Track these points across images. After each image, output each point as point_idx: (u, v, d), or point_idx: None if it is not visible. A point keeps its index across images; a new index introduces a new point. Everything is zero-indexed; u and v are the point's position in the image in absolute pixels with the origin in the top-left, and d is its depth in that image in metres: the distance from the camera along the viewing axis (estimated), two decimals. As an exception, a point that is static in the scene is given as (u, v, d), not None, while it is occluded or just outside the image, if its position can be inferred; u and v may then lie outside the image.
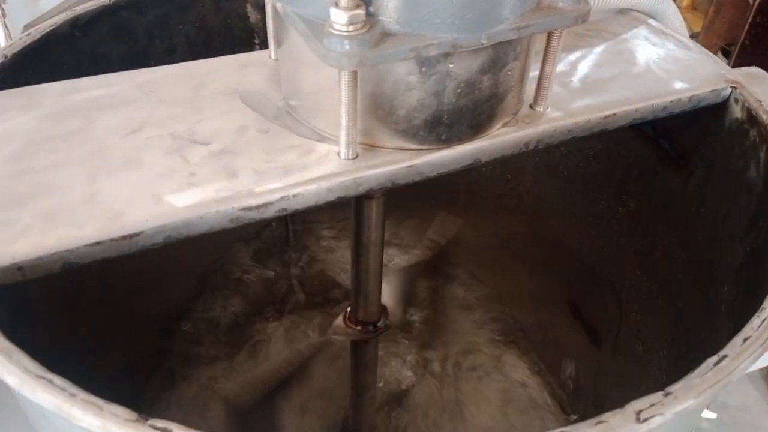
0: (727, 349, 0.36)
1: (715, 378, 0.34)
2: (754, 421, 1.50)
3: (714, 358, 0.36)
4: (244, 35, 0.82)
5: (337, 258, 1.06)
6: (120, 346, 0.80)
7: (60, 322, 0.63)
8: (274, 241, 1.04)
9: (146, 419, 0.30)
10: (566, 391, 0.94)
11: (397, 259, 1.06)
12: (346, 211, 0.67)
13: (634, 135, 0.73)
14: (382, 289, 0.69)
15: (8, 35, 1.09)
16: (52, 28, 0.63)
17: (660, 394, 0.33)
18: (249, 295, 1.02)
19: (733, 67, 0.63)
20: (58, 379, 0.32)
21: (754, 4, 1.65)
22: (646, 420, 0.32)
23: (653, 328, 0.75)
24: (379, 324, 0.71)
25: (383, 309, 0.73)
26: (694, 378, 0.34)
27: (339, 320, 0.69)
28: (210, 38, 0.80)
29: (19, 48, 0.60)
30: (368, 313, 0.70)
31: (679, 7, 0.68)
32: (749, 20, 2.01)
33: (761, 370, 1.57)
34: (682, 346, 0.67)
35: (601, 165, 0.80)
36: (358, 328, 0.70)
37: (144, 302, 0.85)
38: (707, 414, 1.09)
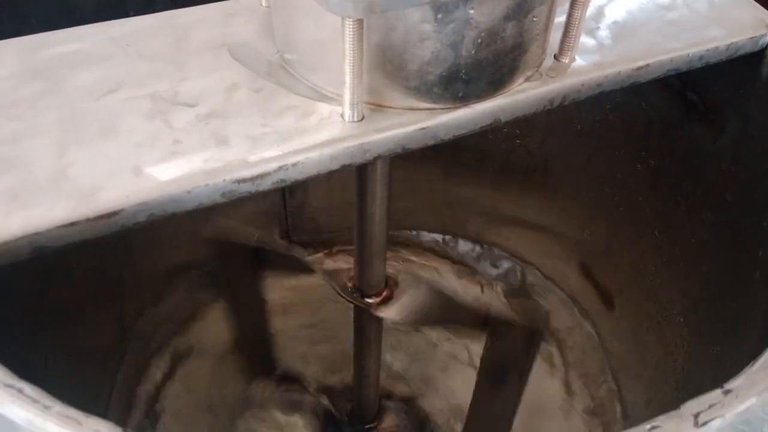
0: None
1: (781, 371, 0.30)
2: None
3: (778, 347, 0.32)
4: (231, -19, 0.75)
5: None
6: (94, 329, 0.76)
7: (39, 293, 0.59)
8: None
9: (131, 437, 0.26)
10: (576, 353, 0.91)
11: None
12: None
13: (658, 86, 0.67)
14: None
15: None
16: (15, -25, 0.57)
17: (719, 392, 0.29)
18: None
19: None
20: (29, 388, 0.28)
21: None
22: (705, 423, 0.28)
23: (673, 293, 0.71)
24: (385, 294, 0.67)
25: (388, 278, 0.68)
26: (756, 372, 0.30)
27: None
28: (193, -15, 0.73)
29: (-21, -2, 0.54)
30: (373, 284, 0.66)
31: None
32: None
33: None
34: (707, 313, 0.64)
35: (620, 119, 0.74)
36: (365, 299, 0.66)
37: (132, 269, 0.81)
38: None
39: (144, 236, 0.80)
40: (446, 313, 0.71)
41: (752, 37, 0.54)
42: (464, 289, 0.99)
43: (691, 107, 0.65)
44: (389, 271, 0.69)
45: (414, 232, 1.02)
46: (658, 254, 0.73)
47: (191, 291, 0.93)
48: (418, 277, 0.99)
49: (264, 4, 0.51)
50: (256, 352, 0.85)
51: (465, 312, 0.69)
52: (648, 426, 0.27)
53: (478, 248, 1.01)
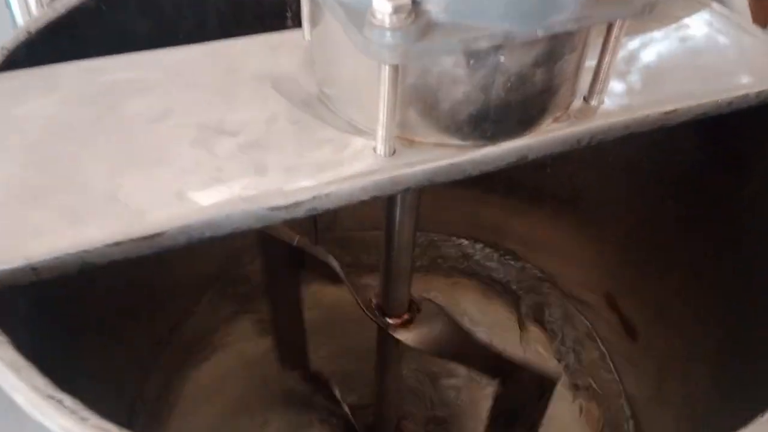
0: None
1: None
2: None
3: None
4: (276, 8, 0.79)
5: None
6: (129, 336, 0.79)
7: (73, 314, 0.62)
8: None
9: (164, 449, 0.28)
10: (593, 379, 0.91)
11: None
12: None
13: (690, 130, 0.67)
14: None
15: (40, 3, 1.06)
16: (78, 2, 0.60)
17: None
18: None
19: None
20: (68, 400, 0.30)
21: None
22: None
23: (697, 333, 0.71)
24: (406, 317, 0.69)
25: (412, 301, 0.70)
26: None
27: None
28: (241, 11, 0.77)
29: (44, 23, 0.57)
30: (396, 305, 0.68)
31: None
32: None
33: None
34: (731, 356, 0.64)
35: (652, 158, 0.75)
36: (385, 318, 0.67)
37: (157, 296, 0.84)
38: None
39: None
40: (460, 349, 0.70)
41: (784, 86, 0.54)
42: (483, 313, 1.00)
43: (721, 152, 0.65)
44: (414, 295, 0.70)
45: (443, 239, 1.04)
46: (684, 292, 0.73)
47: (222, 298, 0.97)
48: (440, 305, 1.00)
49: (307, 37, 0.54)
50: (289, 356, 0.87)
51: (479, 351, 0.68)
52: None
53: (505, 270, 1.02)
